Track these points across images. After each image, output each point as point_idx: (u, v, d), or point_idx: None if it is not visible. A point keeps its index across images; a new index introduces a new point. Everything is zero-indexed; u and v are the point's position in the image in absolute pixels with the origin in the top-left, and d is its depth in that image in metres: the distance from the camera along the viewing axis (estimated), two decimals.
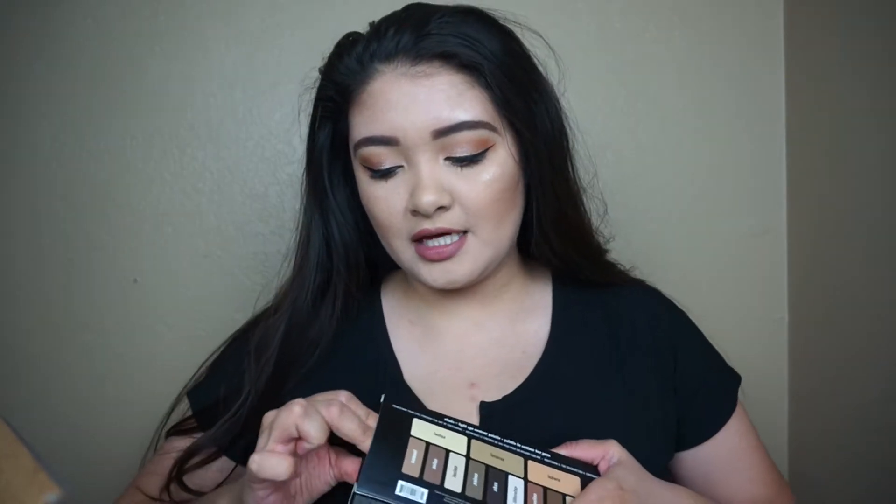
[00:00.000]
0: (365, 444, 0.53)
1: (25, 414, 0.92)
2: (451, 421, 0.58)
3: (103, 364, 0.95)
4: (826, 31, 0.94)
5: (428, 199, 0.60)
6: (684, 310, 0.77)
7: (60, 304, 0.94)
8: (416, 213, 0.62)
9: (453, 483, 0.52)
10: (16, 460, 0.36)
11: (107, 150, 0.94)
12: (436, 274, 0.64)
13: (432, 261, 0.63)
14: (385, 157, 0.62)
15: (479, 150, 0.61)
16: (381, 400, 0.57)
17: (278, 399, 0.68)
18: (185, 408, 0.75)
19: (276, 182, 0.97)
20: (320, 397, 0.56)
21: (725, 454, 0.72)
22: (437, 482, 0.52)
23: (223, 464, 0.71)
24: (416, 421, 0.56)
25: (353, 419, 0.53)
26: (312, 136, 0.70)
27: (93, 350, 0.95)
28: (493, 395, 0.66)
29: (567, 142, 0.69)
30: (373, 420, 0.55)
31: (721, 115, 1.02)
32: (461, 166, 0.62)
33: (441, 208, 0.61)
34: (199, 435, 0.71)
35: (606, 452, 0.59)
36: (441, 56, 0.60)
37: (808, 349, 0.99)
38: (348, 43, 0.66)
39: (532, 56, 0.67)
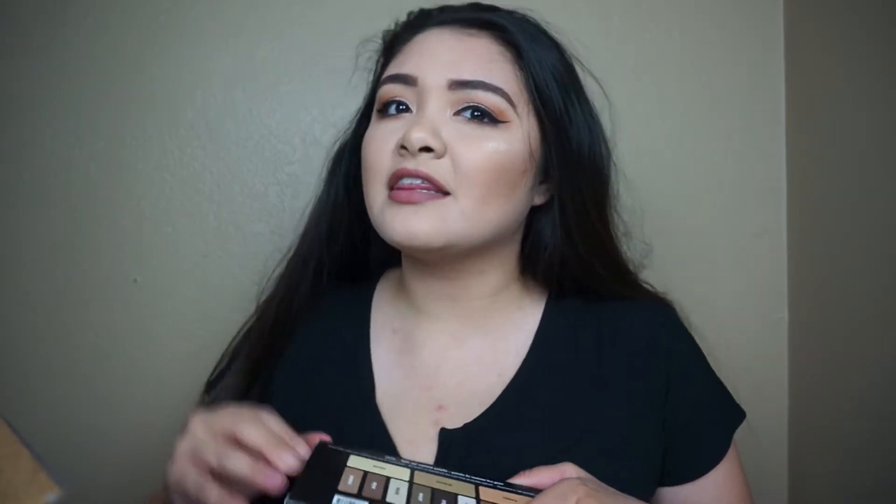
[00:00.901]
0: (279, 456, 0.49)
1: (25, 414, 0.92)
2: (393, 458, 0.55)
3: (103, 364, 0.95)
4: (826, 31, 0.94)
5: (417, 134, 0.58)
6: (699, 337, 0.71)
7: (61, 304, 0.94)
8: (403, 149, 0.59)
9: (396, 499, 0.49)
10: (16, 460, 0.36)
11: (107, 150, 0.94)
12: (397, 221, 0.59)
13: (399, 203, 0.59)
14: (398, 95, 0.63)
15: (490, 118, 0.60)
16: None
17: (269, 370, 0.69)
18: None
19: (276, 182, 0.97)
20: (224, 421, 0.52)
21: (707, 501, 0.66)
22: (379, 498, 0.48)
23: None
24: (352, 457, 0.53)
25: (239, 460, 0.49)
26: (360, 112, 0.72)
27: (92, 350, 0.95)
28: (458, 422, 0.62)
29: (609, 169, 0.69)
30: (300, 445, 0.52)
31: (721, 115, 1.02)
32: (468, 124, 0.60)
33: (428, 151, 0.59)
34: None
35: (563, 474, 0.54)
36: (490, 25, 0.63)
37: (808, 349, 0.99)
38: (412, 13, 0.69)
39: (584, 86, 0.69)
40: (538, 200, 0.67)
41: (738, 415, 0.70)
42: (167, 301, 0.96)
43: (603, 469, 0.57)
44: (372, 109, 0.68)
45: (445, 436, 0.62)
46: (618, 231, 0.72)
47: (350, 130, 0.72)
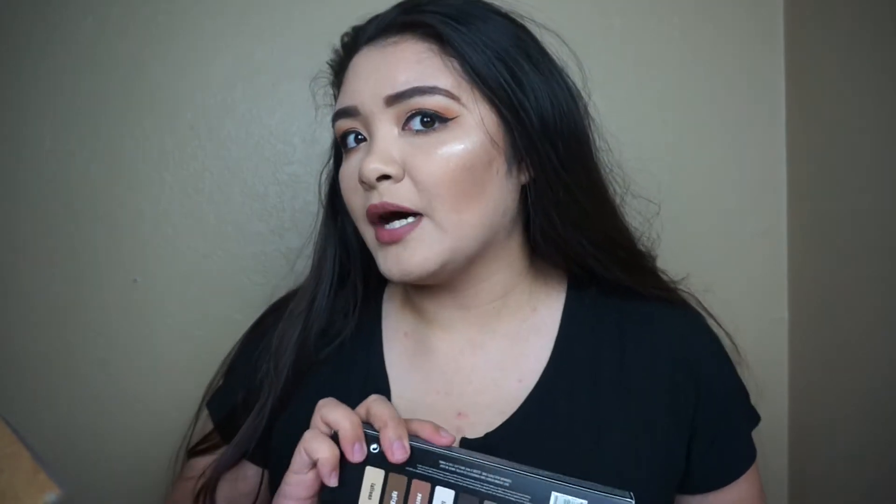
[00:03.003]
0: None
1: (25, 414, 0.92)
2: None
3: (103, 364, 0.95)
4: (827, 31, 0.94)
5: (370, 166, 0.57)
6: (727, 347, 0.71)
7: (60, 304, 0.94)
8: (364, 185, 0.59)
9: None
10: (16, 460, 0.36)
11: (107, 149, 0.94)
12: (389, 262, 0.59)
13: (386, 244, 0.59)
14: (350, 129, 0.62)
15: (439, 119, 0.58)
16: None
17: (293, 399, 0.67)
18: (204, 416, 0.75)
19: (276, 182, 0.97)
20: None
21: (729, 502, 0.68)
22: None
23: (253, 479, 0.70)
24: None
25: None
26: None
27: (92, 350, 0.95)
28: (479, 430, 0.61)
29: (583, 132, 0.64)
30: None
31: (721, 115, 1.02)
32: (417, 136, 0.58)
33: (386, 178, 0.58)
34: (220, 450, 0.70)
35: None
36: (409, 26, 0.60)
37: (808, 349, 0.99)
38: (348, 35, 0.67)
39: (539, 42, 0.65)
40: (525, 179, 0.63)
41: (756, 417, 0.71)
42: (167, 301, 0.96)
43: (624, 472, 0.58)
44: (335, 145, 0.69)
45: (467, 445, 0.61)
46: (614, 200, 0.67)
47: (331, 163, 0.72)
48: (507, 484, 0.48)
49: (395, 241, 0.58)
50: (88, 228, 0.94)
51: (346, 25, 0.69)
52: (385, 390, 0.65)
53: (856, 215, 0.88)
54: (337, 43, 0.69)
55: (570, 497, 0.47)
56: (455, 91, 0.58)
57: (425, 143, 0.58)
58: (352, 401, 0.65)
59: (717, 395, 0.66)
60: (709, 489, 0.67)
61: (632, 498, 0.47)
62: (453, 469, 0.49)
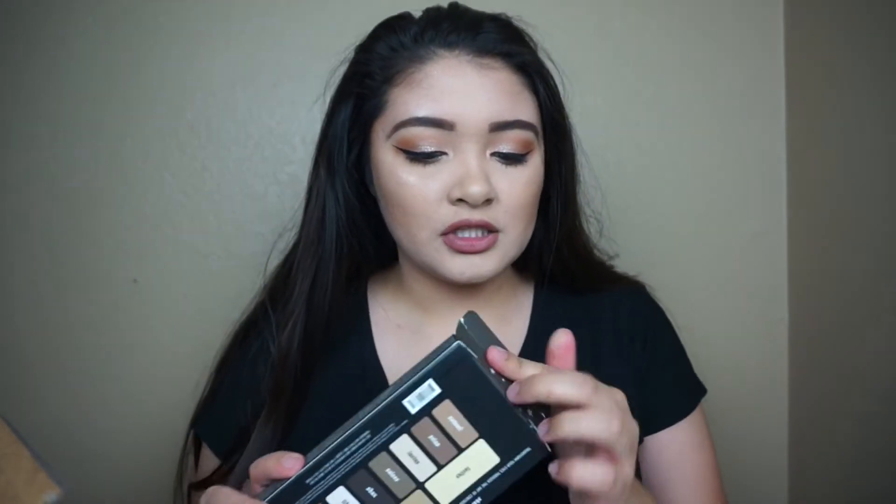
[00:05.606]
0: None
1: (25, 414, 0.92)
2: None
3: (103, 364, 0.95)
4: (827, 30, 0.94)
5: (480, 188, 0.60)
6: (674, 316, 0.77)
7: (60, 304, 0.94)
8: (460, 202, 0.61)
9: None
10: (16, 460, 0.36)
11: (106, 150, 0.94)
12: (463, 266, 0.62)
13: (461, 252, 0.62)
14: (431, 141, 0.61)
15: (524, 152, 0.63)
16: None
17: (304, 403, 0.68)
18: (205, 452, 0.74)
19: (276, 182, 0.97)
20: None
21: (670, 455, 0.71)
22: None
23: None
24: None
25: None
26: (333, 112, 0.68)
27: (93, 350, 0.95)
28: None
29: (575, 162, 0.72)
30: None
31: (721, 116, 1.02)
32: (506, 164, 0.63)
33: (487, 201, 0.61)
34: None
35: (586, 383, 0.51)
36: (503, 54, 0.63)
37: (809, 350, 0.99)
38: (401, 22, 0.66)
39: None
40: None
41: (701, 388, 0.76)
42: (167, 301, 0.96)
43: None
44: (345, 128, 0.66)
45: None
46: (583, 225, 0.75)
47: (342, 151, 0.67)
48: (369, 435, 0.47)
49: (474, 251, 0.62)
50: (88, 228, 0.94)
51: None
52: (383, 383, 0.68)
53: (856, 215, 0.88)
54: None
55: (418, 390, 0.46)
56: (538, 127, 0.65)
57: (510, 172, 0.63)
58: (351, 398, 0.66)
59: (661, 350, 0.73)
60: (649, 431, 0.71)
61: (455, 339, 0.46)
62: (323, 473, 0.47)
